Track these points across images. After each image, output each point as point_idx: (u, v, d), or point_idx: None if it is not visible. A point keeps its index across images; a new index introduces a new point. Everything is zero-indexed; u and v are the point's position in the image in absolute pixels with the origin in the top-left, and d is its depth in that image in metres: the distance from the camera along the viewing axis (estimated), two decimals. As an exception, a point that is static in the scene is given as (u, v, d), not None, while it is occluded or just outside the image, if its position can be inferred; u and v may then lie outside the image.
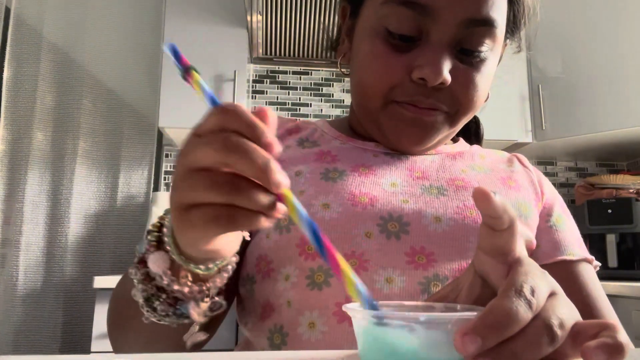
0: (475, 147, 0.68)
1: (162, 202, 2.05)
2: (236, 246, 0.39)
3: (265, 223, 0.30)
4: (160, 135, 2.24)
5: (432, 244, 0.51)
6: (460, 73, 0.53)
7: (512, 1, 0.57)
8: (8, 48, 2.02)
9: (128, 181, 2.16)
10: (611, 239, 1.86)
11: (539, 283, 0.28)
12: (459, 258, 0.51)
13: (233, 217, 0.29)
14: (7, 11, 2.02)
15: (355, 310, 0.29)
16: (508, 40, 0.63)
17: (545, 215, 0.60)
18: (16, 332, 1.86)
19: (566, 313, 0.28)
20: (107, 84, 2.17)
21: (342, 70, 0.65)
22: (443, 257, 0.50)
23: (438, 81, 0.51)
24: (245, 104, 2.04)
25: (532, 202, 0.60)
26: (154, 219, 2.00)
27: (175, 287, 0.39)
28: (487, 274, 0.33)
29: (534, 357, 0.26)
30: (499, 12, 0.53)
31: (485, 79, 0.55)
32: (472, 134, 0.74)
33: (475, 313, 0.27)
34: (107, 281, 1.55)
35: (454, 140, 0.69)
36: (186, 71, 0.33)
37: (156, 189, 2.23)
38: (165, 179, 2.26)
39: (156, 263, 0.39)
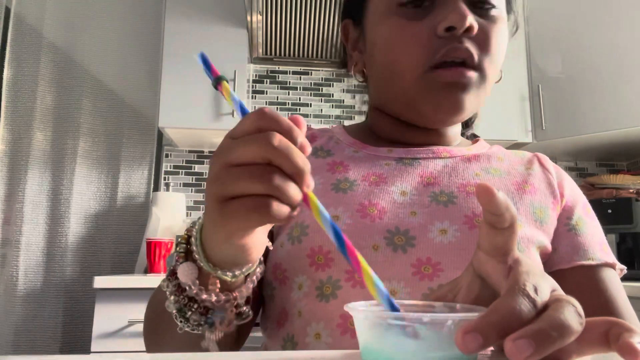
0: (496, 148, 0.66)
1: (162, 202, 2.05)
2: (262, 249, 0.41)
3: (289, 219, 0.32)
4: (160, 135, 2.23)
5: (438, 255, 0.51)
6: (480, 25, 0.54)
7: None
8: (8, 48, 2.02)
9: (128, 181, 2.16)
10: (611, 239, 1.86)
11: (540, 282, 0.28)
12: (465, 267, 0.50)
13: (270, 209, 0.31)
14: (7, 11, 2.02)
15: (356, 310, 0.29)
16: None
17: (565, 219, 0.59)
18: (16, 332, 1.86)
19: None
20: (107, 84, 2.17)
21: (359, 80, 0.66)
22: (450, 267, 0.50)
23: (466, 25, 0.51)
24: (245, 104, 2.04)
25: (549, 205, 0.58)
26: (154, 219, 2.00)
27: (204, 296, 0.41)
28: (487, 274, 0.33)
29: (553, 347, 0.25)
30: None
31: (502, 39, 0.57)
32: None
33: (477, 313, 0.27)
34: (107, 281, 1.55)
35: (474, 140, 0.68)
36: (217, 81, 0.35)
37: (156, 189, 2.23)
38: (165, 178, 2.26)
39: (185, 273, 0.41)
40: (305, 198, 0.32)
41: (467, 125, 0.73)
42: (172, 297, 0.42)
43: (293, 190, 0.31)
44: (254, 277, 0.43)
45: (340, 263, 0.51)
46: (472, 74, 0.54)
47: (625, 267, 0.59)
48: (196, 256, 0.39)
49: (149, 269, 1.79)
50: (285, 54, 2.30)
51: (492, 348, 0.33)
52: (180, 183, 2.26)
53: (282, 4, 1.94)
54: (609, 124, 1.99)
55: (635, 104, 1.93)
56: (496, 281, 0.32)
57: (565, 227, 0.58)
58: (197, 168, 2.29)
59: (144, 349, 0.56)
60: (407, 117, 0.61)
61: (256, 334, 0.63)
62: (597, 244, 0.57)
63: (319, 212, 0.32)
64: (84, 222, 2.06)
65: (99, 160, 2.13)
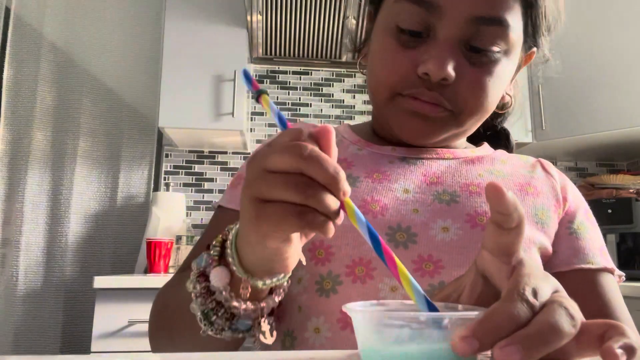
0: (499, 152, 0.67)
1: (162, 202, 2.05)
2: (295, 261, 0.41)
3: (331, 231, 0.32)
4: (160, 135, 2.24)
5: (439, 252, 0.51)
6: (468, 72, 0.52)
7: (528, 6, 0.55)
8: (8, 48, 2.02)
9: (128, 181, 2.16)
10: (611, 239, 1.86)
11: (541, 284, 0.28)
12: (466, 265, 0.50)
13: (306, 216, 0.31)
14: (7, 11, 2.02)
15: (354, 310, 0.29)
16: (535, 48, 0.62)
17: (567, 222, 0.59)
18: (16, 332, 1.86)
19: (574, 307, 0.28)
20: (107, 84, 2.17)
21: (362, 71, 0.66)
22: (451, 264, 0.50)
23: (441, 76, 0.51)
24: (245, 104, 2.04)
25: (551, 208, 0.58)
26: (154, 219, 2.00)
27: (234, 303, 0.41)
28: (491, 274, 0.33)
29: (545, 350, 0.25)
30: (509, 12, 0.52)
31: (497, 82, 0.54)
32: (502, 145, 0.73)
33: (475, 313, 0.27)
34: (107, 281, 1.55)
35: (478, 144, 0.68)
36: (258, 94, 0.38)
37: (156, 189, 2.23)
38: (165, 178, 2.26)
39: (218, 277, 0.41)
40: (342, 204, 0.32)
41: (492, 120, 0.72)
42: (198, 300, 0.42)
43: (328, 200, 0.31)
44: (281, 290, 0.43)
45: (341, 258, 0.51)
46: (441, 112, 0.54)
47: (624, 274, 0.60)
48: (230, 259, 0.40)
49: (149, 269, 1.79)
50: (285, 54, 2.30)
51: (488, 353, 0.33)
52: (180, 183, 2.26)
53: (282, 4, 1.94)
54: (609, 124, 1.99)
55: (635, 104, 1.93)
56: (499, 281, 0.32)
57: (567, 230, 0.58)
58: (197, 168, 2.29)
59: (144, 349, 0.56)
60: (386, 127, 0.61)
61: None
62: (597, 249, 0.58)
63: (354, 215, 0.32)
64: (84, 222, 2.06)
65: (99, 160, 2.13)
